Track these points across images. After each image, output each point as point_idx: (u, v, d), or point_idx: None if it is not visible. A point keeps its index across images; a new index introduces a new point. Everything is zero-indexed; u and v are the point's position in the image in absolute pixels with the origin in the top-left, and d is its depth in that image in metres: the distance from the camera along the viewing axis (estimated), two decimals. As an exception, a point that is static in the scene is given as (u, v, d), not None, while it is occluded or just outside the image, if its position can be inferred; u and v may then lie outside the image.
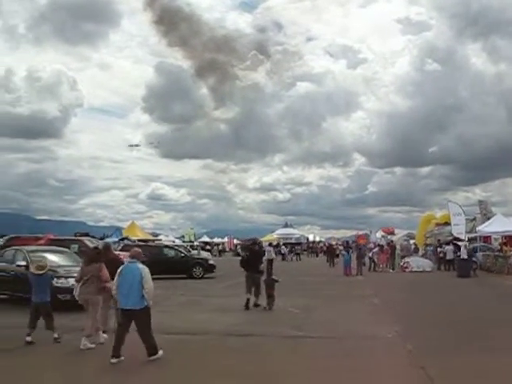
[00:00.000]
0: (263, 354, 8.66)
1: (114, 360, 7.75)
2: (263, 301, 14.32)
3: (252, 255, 15.59)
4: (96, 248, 12.42)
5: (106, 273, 9.28)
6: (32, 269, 9.96)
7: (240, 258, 19.04)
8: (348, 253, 30.48)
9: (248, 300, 14.28)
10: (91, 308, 9.27)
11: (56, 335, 9.45)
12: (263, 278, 14.61)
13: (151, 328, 8.00)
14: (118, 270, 8.22)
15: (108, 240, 36.89)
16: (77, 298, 9.57)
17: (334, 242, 57.90)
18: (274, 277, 14.46)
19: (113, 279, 8.69)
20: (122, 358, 7.81)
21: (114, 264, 9.35)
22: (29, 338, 9.22)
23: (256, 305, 14.46)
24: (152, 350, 7.90)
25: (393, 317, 12.60)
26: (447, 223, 36.34)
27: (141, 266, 8.16)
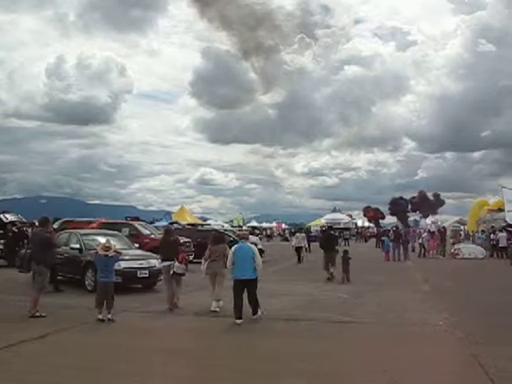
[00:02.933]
0: (310, 337, 8.70)
1: (238, 321, 9.64)
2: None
3: (329, 238, 19.19)
4: (220, 232, 16.86)
5: (229, 251, 10.93)
6: (98, 250, 10.53)
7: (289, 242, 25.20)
8: (388, 238, 30.40)
9: (331, 273, 17.51)
10: (219, 279, 11.08)
11: (110, 316, 9.81)
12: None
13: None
14: (233, 249, 10.32)
15: (157, 224, 37.55)
16: (204, 272, 11.37)
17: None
18: (348, 255, 17.70)
19: (168, 259, 11.33)
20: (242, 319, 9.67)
21: (174, 245, 11.77)
22: (100, 316, 9.76)
23: (331, 276, 17.44)
24: (255, 309, 10.05)
25: (443, 304, 12.38)
26: (500, 209, 35.40)
27: (251, 245, 10.63)
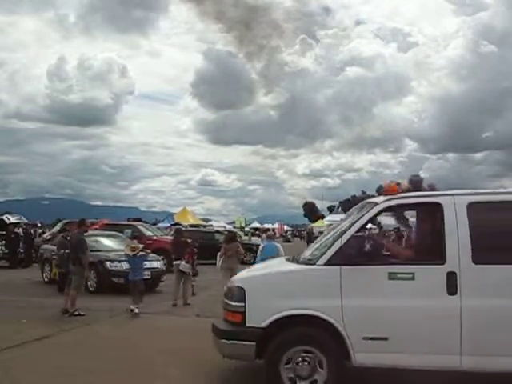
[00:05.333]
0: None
1: None
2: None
3: None
4: (233, 232, 17.87)
5: (242, 249, 12.94)
6: (126, 251, 11.83)
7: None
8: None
9: None
10: (232, 273, 10.95)
11: (137, 310, 10.75)
12: None
13: None
14: (260, 247, 12.49)
15: (160, 225, 37.63)
16: (219, 268, 12.41)
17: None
18: None
19: (179, 258, 12.78)
20: None
21: (183, 245, 13.32)
22: (137, 310, 10.79)
23: None
24: None
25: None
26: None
27: (277, 244, 12.16)
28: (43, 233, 29.24)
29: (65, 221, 25.18)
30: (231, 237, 13.52)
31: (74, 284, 10.84)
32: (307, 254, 6.22)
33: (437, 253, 5.59)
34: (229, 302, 5.85)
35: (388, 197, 5.95)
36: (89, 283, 13.57)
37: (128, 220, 29.59)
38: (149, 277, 13.20)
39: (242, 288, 5.76)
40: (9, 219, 24.02)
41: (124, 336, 8.86)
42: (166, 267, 15.59)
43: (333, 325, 5.48)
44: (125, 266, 13.02)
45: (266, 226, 78.76)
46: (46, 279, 16.13)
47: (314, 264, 5.72)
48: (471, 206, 5.63)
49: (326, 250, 5.75)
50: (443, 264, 5.47)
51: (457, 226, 5.55)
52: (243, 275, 6.49)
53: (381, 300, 5.48)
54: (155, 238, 22.05)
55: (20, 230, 23.17)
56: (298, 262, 6.11)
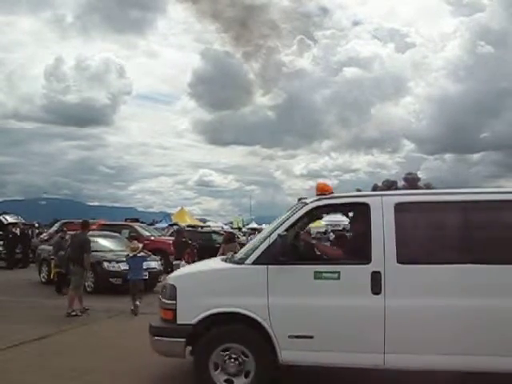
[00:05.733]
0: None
1: None
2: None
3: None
4: (231, 233, 18.13)
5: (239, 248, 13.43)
6: (128, 251, 12.16)
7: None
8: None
9: None
10: None
11: (134, 307, 11.02)
12: None
13: None
14: None
15: (157, 226, 37.61)
16: None
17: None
18: None
19: (180, 259, 13.39)
20: None
21: (184, 245, 14.42)
22: (132, 307, 11.07)
23: None
24: None
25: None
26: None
27: None
28: (40, 233, 29.22)
29: (63, 221, 25.21)
30: (230, 237, 13.66)
31: (72, 284, 10.89)
32: (242, 253, 6.31)
33: (363, 253, 5.65)
34: (162, 300, 5.97)
35: (317, 197, 6.02)
36: (86, 284, 13.59)
37: (125, 220, 29.54)
38: (147, 277, 13.25)
39: (174, 286, 5.88)
40: (6, 220, 24.00)
41: (122, 336, 8.90)
42: (163, 267, 15.64)
43: (259, 323, 5.58)
44: (122, 266, 13.15)
45: (264, 226, 78.59)
46: (43, 280, 16.15)
47: (243, 263, 5.83)
48: (398, 207, 5.70)
49: (255, 250, 5.86)
50: (368, 264, 5.53)
51: (383, 227, 5.61)
52: (176, 273, 6.68)
53: (306, 299, 5.56)
54: (152, 238, 22.05)
55: (17, 231, 23.16)
56: (230, 262, 6.22)
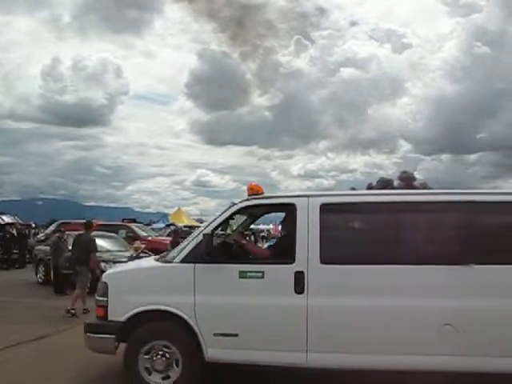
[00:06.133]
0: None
1: None
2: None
3: None
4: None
5: None
6: (131, 252, 12.52)
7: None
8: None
9: None
10: None
11: None
12: None
13: None
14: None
15: (154, 226, 37.64)
16: None
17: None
18: None
19: None
20: None
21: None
22: None
23: None
24: None
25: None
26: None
27: None
28: (37, 233, 29.19)
29: (60, 221, 25.18)
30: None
31: (79, 284, 10.99)
32: (174, 252, 6.37)
33: (288, 252, 5.74)
34: (96, 297, 6.12)
35: (246, 197, 6.11)
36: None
37: (122, 220, 29.55)
38: None
39: (106, 283, 6.03)
40: (3, 220, 23.97)
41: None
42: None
43: (186, 320, 5.68)
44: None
45: (262, 226, 78.56)
46: (40, 280, 16.14)
47: (172, 262, 5.95)
48: (324, 208, 5.78)
49: (184, 249, 5.98)
50: (292, 264, 5.61)
51: (308, 227, 5.69)
52: (109, 271, 6.76)
53: (232, 297, 5.67)
54: (149, 238, 22.07)
55: (14, 231, 23.13)
56: (161, 260, 6.32)
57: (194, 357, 5.70)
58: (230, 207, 6.11)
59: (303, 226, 5.71)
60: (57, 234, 15.34)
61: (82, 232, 11.92)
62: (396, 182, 58.01)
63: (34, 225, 34.01)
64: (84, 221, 12.31)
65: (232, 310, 5.65)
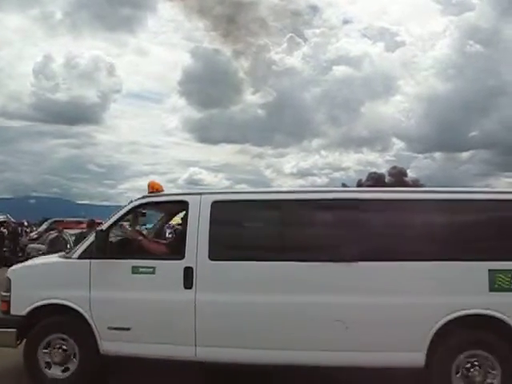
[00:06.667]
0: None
1: None
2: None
3: None
4: None
5: None
6: None
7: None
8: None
9: None
10: None
11: None
12: None
13: None
14: None
15: (148, 226, 37.44)
16: None
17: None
18: None
19: None
20: None
21: None
22: None
23: None
24: None
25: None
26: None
27: None
28: (29, 232, 29.03)
29: (52, 219, 25.05)
30: None
31: None
32: (77, 247, 6.52)
33: (179, 248, 5.94)
34: (1, 293, 6.28)
35: (143, 195, 6.33)
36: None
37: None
38: None
39: (9, 278, 6.25)
40: (-5, 218, 23.81)
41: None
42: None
43: (82, 314, 5.88)
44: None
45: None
46: (32, 278, 15.92)
47: (70, 257, 6.15)
48: (215, 205, 5.97)
49: (82, 245, 6.19)
50: (182, 259, 5.82)
51: (198, 224, 5.88)
52: (14, 266, 6.92)
53: (125, 292, 5.86)
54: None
55: (5, 230, 22.99)
56: (63, 256, 6.48)
57: (90, 349, 5.89)
58: (126, 205, 6.33)
59: (194, 223, 5.90)
60: (55, 232, 15.25)
61: (84, 230, 11.96)
62: (387, 178, 58.39)
63: (26, 223, 33.86)
64: (77, 219, 12.23)
65: (125, 304, 5.84)
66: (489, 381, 5.43)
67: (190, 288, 5.74)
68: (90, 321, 5.87)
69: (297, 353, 5.59)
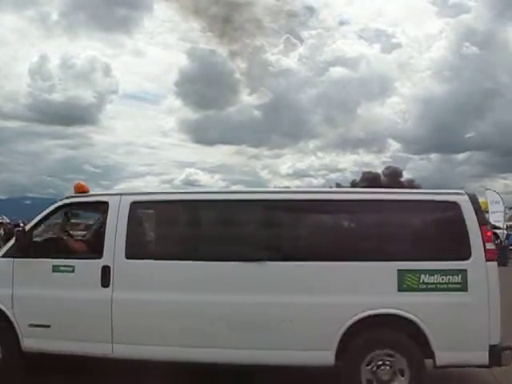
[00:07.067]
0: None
1: None
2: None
3: None
4: None
5: None
6: None
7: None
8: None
9: None
10: None
11: None
12: None
13: None
14: None
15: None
16: None
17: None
18: None
19: None
20: None
21: None
22: None
23: None
24: None
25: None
26: (485, 211, 35.76)
27: None
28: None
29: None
30: None
31: None
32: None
33: (97, 248, 6.07)
34: None
35: (66, 196, 6.51)
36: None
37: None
38: None
39: None
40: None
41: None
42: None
43: (4, 312, 6.01)
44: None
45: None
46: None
47: None
48: (134, 206, 6.12)
49: (7, 244, 6.31)
50: (100, 258, 5.95)
51: (117, 224, 6.01)
52: None
53: (45, 290, 5.98)
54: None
55: (2, 230, 22.98)
56: None
57: (12, 346, 6.01)
58: (50, 206, 6.42)
59: (112, 223, 6.04)
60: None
61: None
62: (382, 179, 58.43)
63: (22, 224, 33.83)
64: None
65: (45, 302, 5.97)
66: (397, 380, 5.52)
67: (107, 286, 5.88)
68: (12, 318, 5.98)
69: (208, 350, 5.73)
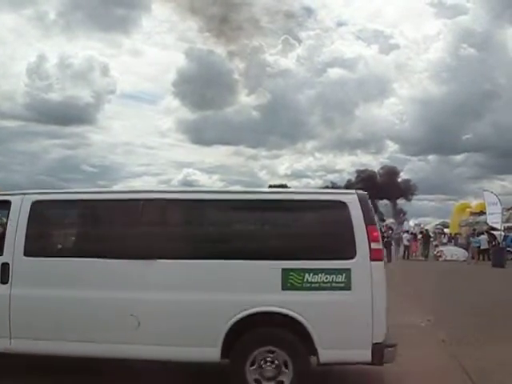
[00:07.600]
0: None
1: None
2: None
3: None
4: None
5: None
6: None
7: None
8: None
9: None
10: None
11: None
12: None
13: None
14: None
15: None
16: None
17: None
18: None
19: None
20: None
21: None
22: None
23: None
24: None
25: (425, 306, 12.49)
26: (483, 212, 35.82)
27: None
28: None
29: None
30: None
31: None
32: None
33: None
34: None
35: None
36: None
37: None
38: None
39: None
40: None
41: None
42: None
43: None
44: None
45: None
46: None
47: None
48: (35, 205, 6.30)
49: None
50: (0, 256, 6.15)
51: (17, 222, 6.21)
52: None
53: None
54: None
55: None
56: None
57: None
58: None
59: (14, 222, 6.25)
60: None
61: None
62: (378, 178, 58.38)
63: None
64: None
65: None
66: (281, 377, 5.63)
67: (7, 283, 6.07)
68: None
69: (98, 345, 5.89)
